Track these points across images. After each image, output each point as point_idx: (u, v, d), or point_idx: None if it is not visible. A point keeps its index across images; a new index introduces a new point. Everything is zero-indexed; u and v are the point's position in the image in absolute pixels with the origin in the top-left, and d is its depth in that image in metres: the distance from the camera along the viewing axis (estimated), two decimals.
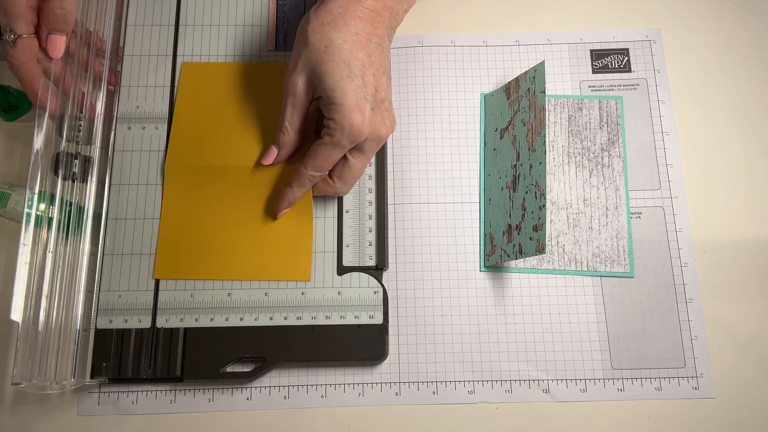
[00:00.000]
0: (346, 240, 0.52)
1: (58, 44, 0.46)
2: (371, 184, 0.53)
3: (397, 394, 0.51)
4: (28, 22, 0.45)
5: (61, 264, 0.48)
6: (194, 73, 0.53)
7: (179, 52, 0.56)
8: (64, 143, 0.49)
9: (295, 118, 0.47)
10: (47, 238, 0.47)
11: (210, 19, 0.57)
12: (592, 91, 0.58)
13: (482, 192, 0.55)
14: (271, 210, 0.50)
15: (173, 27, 0.57)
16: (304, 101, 0.46)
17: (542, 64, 0.50)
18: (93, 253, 0.50)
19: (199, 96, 0.52)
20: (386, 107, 0.46)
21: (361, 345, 0.50)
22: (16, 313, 0.45)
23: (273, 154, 0.49)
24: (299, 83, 0.45)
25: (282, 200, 0.49)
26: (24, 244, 0.46)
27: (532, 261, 0.53)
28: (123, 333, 0.50)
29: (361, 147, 0.46)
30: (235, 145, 0.51)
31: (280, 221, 0.50)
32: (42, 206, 0.50)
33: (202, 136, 0.51)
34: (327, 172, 0.48)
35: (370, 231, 0.52)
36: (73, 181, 0.49)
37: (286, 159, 0.50)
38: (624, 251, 0.53)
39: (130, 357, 0.49)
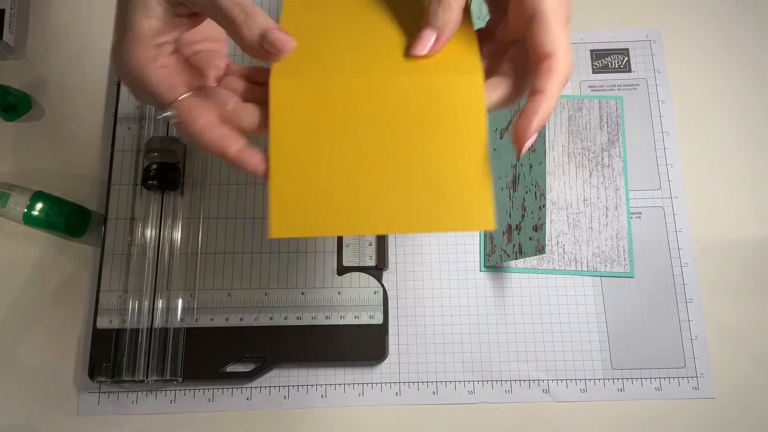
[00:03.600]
0: (346, 240, 0.52)
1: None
2: None
3: (397, 394, 0.50)
4: (168, 87, 0.33)
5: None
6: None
7: None
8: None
9: None
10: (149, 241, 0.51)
11: None
12: (592, 91, 0.58)
13: None
14: (421, 131, 0.33)
15: None
16: None
17: None
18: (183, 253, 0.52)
19: (309, 10, 0.36)
20: None
21: (361, 345, 0.50)
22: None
23: (429, 38, 0.33)
24: None
25: (532, 122, 0.32)
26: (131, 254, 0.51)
27: (532, 261, 0.53)
28: (122, 333, 0.50)
29: None
30: (362, 51, 0.35)
31: (440, 147, 0.33)
32: (39, 205, 0.50)
33: (316, 47, 0.35)
34: None
35: None
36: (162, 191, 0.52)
37: (443, 47, 0.34)
38: (624, 251, 0.53)
39: (130, 357, 0.49)
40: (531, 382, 0.51)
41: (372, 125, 0.33)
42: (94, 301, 0.51)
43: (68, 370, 0.51)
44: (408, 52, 0.34)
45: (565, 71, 0.32)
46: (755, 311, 0.53)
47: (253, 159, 0.33)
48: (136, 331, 0.49)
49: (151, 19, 0.32)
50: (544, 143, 0.48)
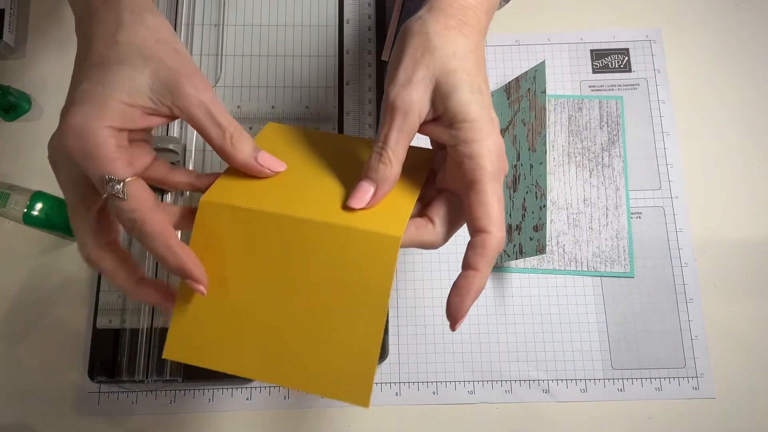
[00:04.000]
0: None
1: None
2: None
3: (397, 394, 0.50)
4: (126, 163, 0.32)
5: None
6: (275, 134, 0.39)
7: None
8: None
9: (401, 146, 0.34)
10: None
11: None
12: (592, 91, 0.58)
13: None
14: (336, 292, 0.33)
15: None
16: (416, 122, 0.34)
17: (542, 64, 0.50)
18: None
19: (272, 151, 0.37)
20: None
21: None
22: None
23: (367, 192, 0.35)
24: (415, 98, 0.34)
25: (465, 302, 0.34)
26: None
27: (532, 261, 0.53)
28: (122, 333, 0.49)
29: None
30: (303, 195, 0.35)
31: (342, 309, 0.33)
32: (39, 205, 0.50)
33: (263, 184, 0.36)
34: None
35: None
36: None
37: (380, 202, 0.35)
38: (624, 251, 0.53)
39: (129, 357, 0.49)
40: (531, 382, 0.51)
41: (285, 269, 0.33)
42: (94, 301, 0.51)
43: (68, 370, 0.51)
44: (345, 203, 0.34)
45: (497, 248, 0.33)
46: (755, 311, 0.53)
47: (191, 259, 0.33)
48: (136, 331, 0.49)
49: (128, 106, 0.32)
50: (544, 143, 0.48)
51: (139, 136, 0.35)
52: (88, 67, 0.32)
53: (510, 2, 0.53)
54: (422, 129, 0.36)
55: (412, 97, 0.34)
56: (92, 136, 0.31)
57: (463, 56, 0.34)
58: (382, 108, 0.35)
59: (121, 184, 0.32)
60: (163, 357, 0.32)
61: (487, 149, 0.33)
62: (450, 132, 0.34)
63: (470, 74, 0.34)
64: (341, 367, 0.32)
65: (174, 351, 0.32)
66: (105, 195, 0.32)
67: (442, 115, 0.34)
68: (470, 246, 0.34)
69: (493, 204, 0.33)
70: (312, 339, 0.32)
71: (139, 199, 0.32)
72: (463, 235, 0.55)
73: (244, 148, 0.34)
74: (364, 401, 0.31)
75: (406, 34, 0.36)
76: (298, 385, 0.32)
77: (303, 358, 0.32)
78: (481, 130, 0.33)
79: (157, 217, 0.33)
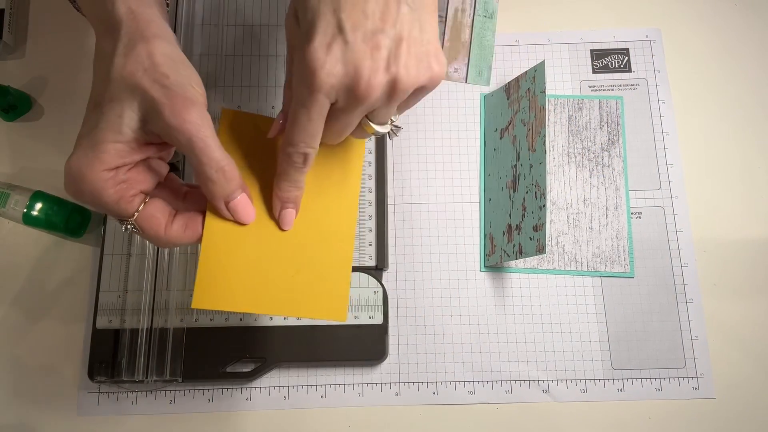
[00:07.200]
0: None
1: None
2: (371, 184, 0.53)
3: (397, 394, 0.50)
4: (129, 200, 0.33)
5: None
6: (235, 123, 0.39)
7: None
8: None
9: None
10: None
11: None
12: (592, 91, 0.58)
13: (482, 192, 0.55)
14: (305, 234, 0.39)
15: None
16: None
17: (542, 64, 0.50)
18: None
19: (239, 149, 0.39)
20: (394, 44, 0.30)
21: (361, 345, 0.50)
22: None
23: (276, 123, 0.36)
24: (291, 22, 0.32)
25: (283, 213, 0.37)
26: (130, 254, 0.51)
27: (532, 261, 0.53)
28: (122, 333, 0.49)
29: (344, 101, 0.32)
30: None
31: (316, 244, 0.39)
32: (39, 205, 0.50)
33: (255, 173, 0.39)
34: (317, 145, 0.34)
35: (370, 231, 0.52)
36: None
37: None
38: (624, 251, 0.53)
39: (129, 357, 0.49)
40: (531, 382, 0.51)
41: (279, 240, 0.38)
42: (93, 301, 0.51)
43: (68, 370, 0.51)
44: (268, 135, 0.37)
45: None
46: (755, 311, 0.53)
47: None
48: (135, 331, 0.49)
49: (119, 144, 0.32)
50: (544, 143, 0.48)
51: (148, 157, 0.35)
52: (91, 108, 0.33)
53: None
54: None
55: (289, 23, 0.33)
56: (89, 183, 0.32)
57: None
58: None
59: (132, 224, 0.34)
60: (192, 307, 0.36)
61: (299, 67, 0.31)
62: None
63: None
64: (323, 294, 0.38)
65: (200, 301, 0.36)
66: (125, 231, 0.36)
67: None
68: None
69: (295, 122, 0.32)
70: (300, 273, 0.38)
71: (151, 227, 0.34)
72: (463, 236, 0.55)
73: (216, 189, 0.34)
74: (341, 316, 0.38)
75: None
76: (293, 312, 0.38)
77: (294, 290, 0.38)
78: (308, 41, 0.30)
79: (173, 233, 0.35)
